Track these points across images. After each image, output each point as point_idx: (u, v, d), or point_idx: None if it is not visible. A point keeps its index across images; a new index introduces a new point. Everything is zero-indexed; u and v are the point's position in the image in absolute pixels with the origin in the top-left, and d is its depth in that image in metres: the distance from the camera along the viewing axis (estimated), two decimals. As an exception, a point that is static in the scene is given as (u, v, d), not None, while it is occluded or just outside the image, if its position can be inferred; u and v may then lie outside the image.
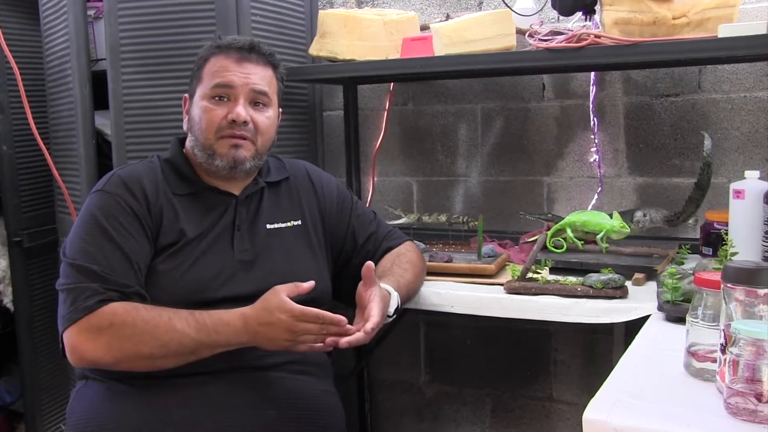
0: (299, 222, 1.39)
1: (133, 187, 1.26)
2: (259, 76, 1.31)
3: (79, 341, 1.13)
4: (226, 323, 1.14)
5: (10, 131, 2.03)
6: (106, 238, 1.20)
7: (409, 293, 1.40)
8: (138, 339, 1.12)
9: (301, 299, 1.26)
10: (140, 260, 1.21)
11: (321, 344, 1.14)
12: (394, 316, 1.30)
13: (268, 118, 1.32)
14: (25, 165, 2.08)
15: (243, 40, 1.33)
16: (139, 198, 1.25)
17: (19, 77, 1.87)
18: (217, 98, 1.29)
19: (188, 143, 1.35)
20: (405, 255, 1.45)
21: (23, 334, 2.09)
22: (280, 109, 1.40)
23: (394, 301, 1.29)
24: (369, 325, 1.15)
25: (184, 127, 1.36)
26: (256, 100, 1.31)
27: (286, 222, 1.37)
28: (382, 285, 1.28)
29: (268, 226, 1.34)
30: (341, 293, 1.43)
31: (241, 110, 1.27)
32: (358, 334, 1.14)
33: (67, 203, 1.82)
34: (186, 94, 1.37)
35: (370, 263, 1.22)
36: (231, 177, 1.32)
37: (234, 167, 1.29)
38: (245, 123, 1.28)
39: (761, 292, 0.81)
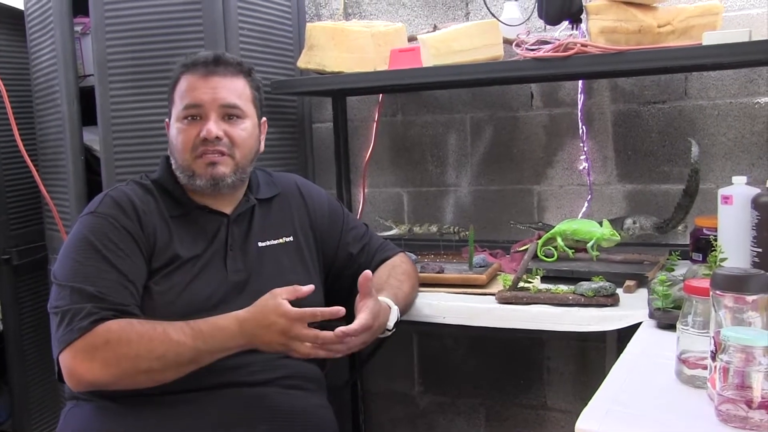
0: (291, 238, 1.38)
1: (126, 207, 1.24)
2: (228, 89, 1.28)
3: (75, 363, 1.11)
4: (221, 328, 1.13)
5: (-3, 148, 2.02)
6: (100, 259, 1.18)
7: (407, 305, 1.39)
8: (135, 354, 1.10)
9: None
10: (136, 279, 1.20)
11: (315, 351, 1.12)
12: (394, 330, 1.28)
13: (243, 129, 1.29)
14: (12, 182, 2.07)
15: (207, 54, 1.30)
16: (132, 218, 1.23)
17: (5, 94, 1.86)
18: (189, 119, 1.27)
19: (172, 166, 1.33)
20: (400, 266, 1.44)
21: (12, 352, 2.07)
22: (264, 118, 1.38)
23: (394, 315, 1.27)
24: (351, 327, 1.12)
25: (169, 151, 1.34)
26: (229, 114, 1.28)
27: (278, 239, 1.36)
28: (381, 298, 1.26)
29: (260, 244, 1.33)
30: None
31: (212, 126, 1.25)
32: (339, 346, 1.13)
33: (56, 220, 1.81)
34: (167, 119, 1.35)
35: (368, 272, 1.20)
36: (217, 194, 1.30)
37: (215, 185, 1.27)
38: (218, 138, 1.26)
39: (750, 298, 0.81)
